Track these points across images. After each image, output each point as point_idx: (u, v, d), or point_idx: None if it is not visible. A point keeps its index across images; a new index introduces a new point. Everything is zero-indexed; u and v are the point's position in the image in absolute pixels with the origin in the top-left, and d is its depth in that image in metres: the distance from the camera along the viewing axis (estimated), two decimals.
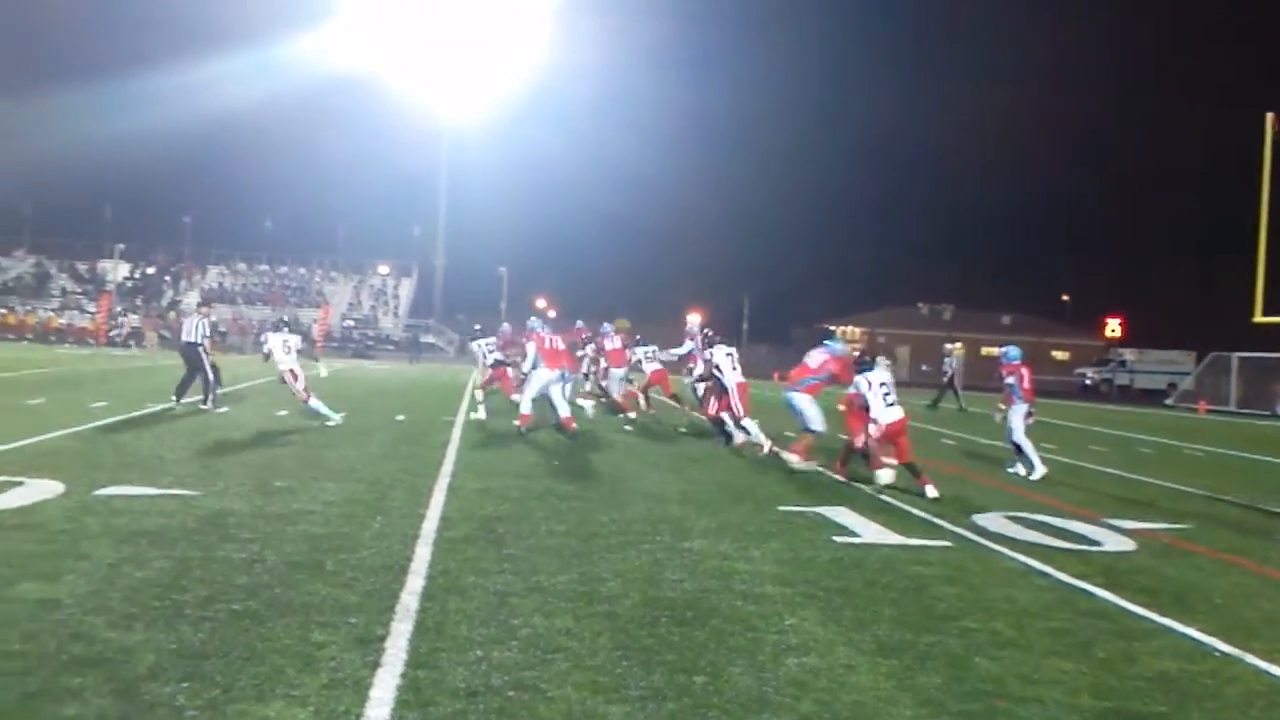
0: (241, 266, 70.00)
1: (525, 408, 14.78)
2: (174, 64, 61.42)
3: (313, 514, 7.84)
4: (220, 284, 66.32)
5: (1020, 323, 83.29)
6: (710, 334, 15.93)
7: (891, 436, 11.07)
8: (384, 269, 71.75)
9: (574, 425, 14.60)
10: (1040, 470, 12.69)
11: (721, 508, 9.25)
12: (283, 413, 16.12)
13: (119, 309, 56.68)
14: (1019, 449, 13.13)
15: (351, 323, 64.46)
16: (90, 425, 12.94)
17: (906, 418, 11.31)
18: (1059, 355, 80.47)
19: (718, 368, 14.30)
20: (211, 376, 16.37)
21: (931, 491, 10.43)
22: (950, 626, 5.72)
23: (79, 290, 61.99)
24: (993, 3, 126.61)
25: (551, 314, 72.78)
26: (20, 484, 8.39)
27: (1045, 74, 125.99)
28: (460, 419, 16.75)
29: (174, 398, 16.09)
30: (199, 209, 69.35)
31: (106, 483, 8.66)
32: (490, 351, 18.11)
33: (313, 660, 4.56)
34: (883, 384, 11.28)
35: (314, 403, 14.68)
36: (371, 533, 7.32)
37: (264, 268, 70.33)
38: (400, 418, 16.50)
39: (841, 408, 12.09)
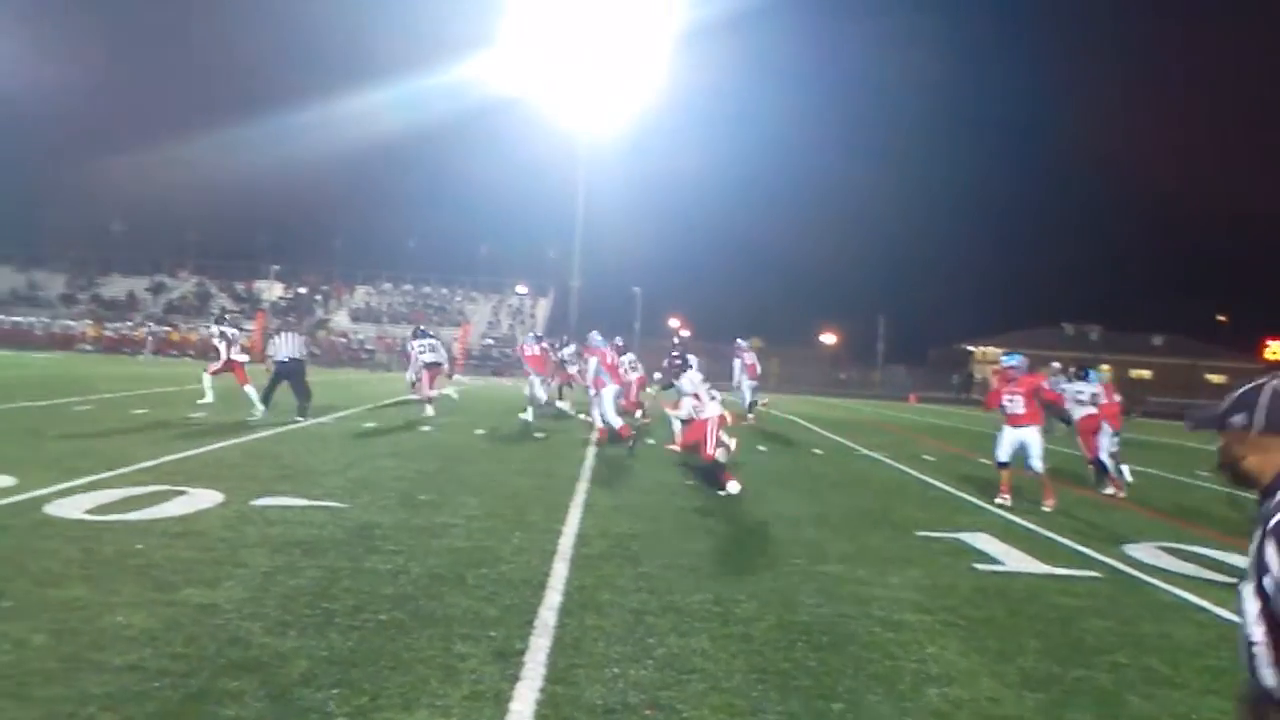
0: (387, 286, 72.44)
1: (615, 423, 15.41)
2: (324, 98, 64.29)
3: (455, 528, 8.04)
4: (367, 303, 68.76)
5: (1173, 344, 79.52)
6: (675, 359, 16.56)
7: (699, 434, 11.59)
8: (522, 289, 73.24)
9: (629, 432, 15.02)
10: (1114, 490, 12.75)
11: (858, 532, 9.11)
12: (426, 428, 16.58)
13: (273, 326, 59.32)
14: (1103, 466, 12.94)
15: (490, 341, 65.95)
16: (247, 438, 13.56)
17: (723, 416, 11.76)
18: (1214, 379, 76.53)
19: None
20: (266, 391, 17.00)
21: (734, 487, 10.73)
22: (1100, 661, 5.50)
23: (236, 309, 65.14)
24: (1150, 8, 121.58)
25: (685, 333, 73.07)
26: (183, 493, 8.84)
27: (1203, 84, 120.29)
28: (594, 435, 16.93)
29: (300, 417, 16.42)
30: (348, 231, 72.25)
31: (262, 493, 9.06)
32: (423, 353, 19.70)
33: (455, 672, 4.67)
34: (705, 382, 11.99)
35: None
36: (511, 547, 7.46)
37: (408, 287, 72.62)
38: (540, 435, 16.78)
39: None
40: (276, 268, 67.48)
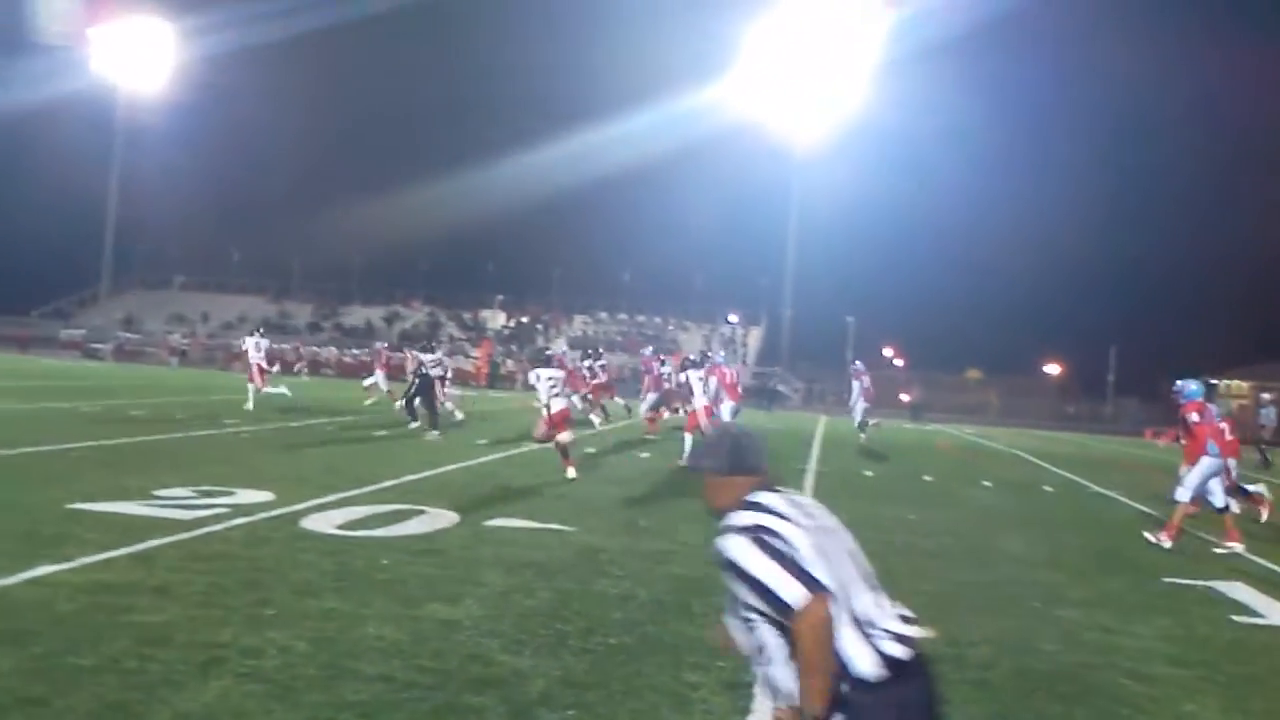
0: (603, 315, 74.32)
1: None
2: (548, 137, 66.74)
3: (675, 554, 8.12)
4: (584, 332, 70.74)
5: None
6: (688, 359, 18.47)
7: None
8: (733, 318, 73.48)
9: None
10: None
11: (1097, 575, 8.62)
12: (645, 454, 16.85)
13: (499, 352, 61.85)
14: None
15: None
16: (476, 460, 14.17)
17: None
18: None
19: (689, 388, 15.96)
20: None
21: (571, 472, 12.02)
22: None
23: (464, 337, 68.32)
24: None
25: (899, 363, 71.32)
26: (422, 512, 9.32)
27: None
28: (812, 466, 16.75)
29: (435, 431, 17.75)
30: (567, 263, 74.44)
31: (494, 514, 9.43)
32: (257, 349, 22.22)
33: (686, 700, 4.71)
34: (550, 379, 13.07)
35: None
36: None
37: (623, 316, 74.24)
38: None
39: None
40: (501, 298, 70.46)
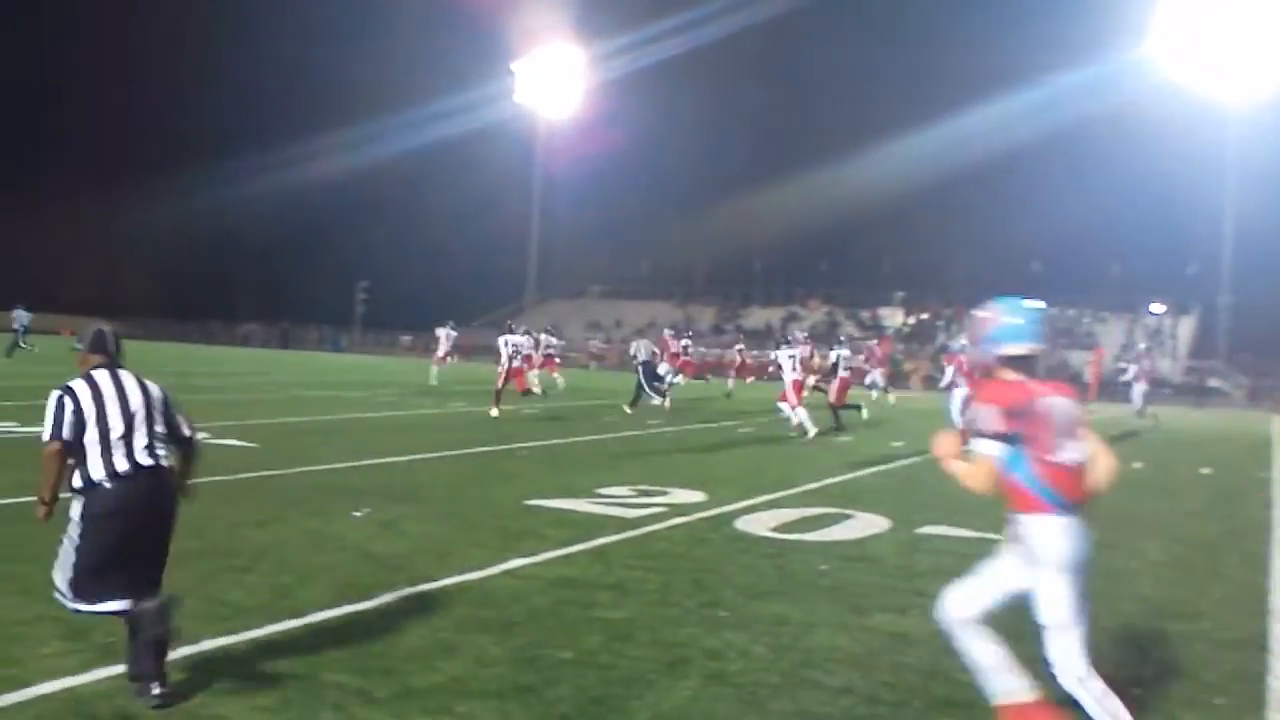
0: None
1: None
2: (944, 115, 64.47)
3: (1140, 573, 7.39)
4: None
5: None
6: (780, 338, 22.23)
7: None
8: (1158, 307, 67.01)
9: None
10: None
11: None
12: (1138, 465, 15.34)
13: (899, 351, 60.73)
14: None
15: (1124, 366, 61.15)
16: (896, 463, 13.85)
17: None
18: None
19: (779, 366, 18.33)
20: (648, 392, 21.27)
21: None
22: None
23: (862, 336, 67.80)
24: None
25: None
26: (850, 516, 9.19)
27: None
28: (1276, 474, 14.76)
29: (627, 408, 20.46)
30: (969, 254, 71.53)
31: (924, 521, 9.11)
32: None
33: None
34: None
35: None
36: (1211, 601, 6.66)
37: None
38: (1205, 471, 15.03)
39: None
40: (900, 294, 69.06)
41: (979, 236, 70.78)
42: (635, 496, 9.81)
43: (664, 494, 10.00)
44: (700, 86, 75.62)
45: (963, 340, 17.85)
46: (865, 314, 70.76)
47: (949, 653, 5.23)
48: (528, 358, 22.16)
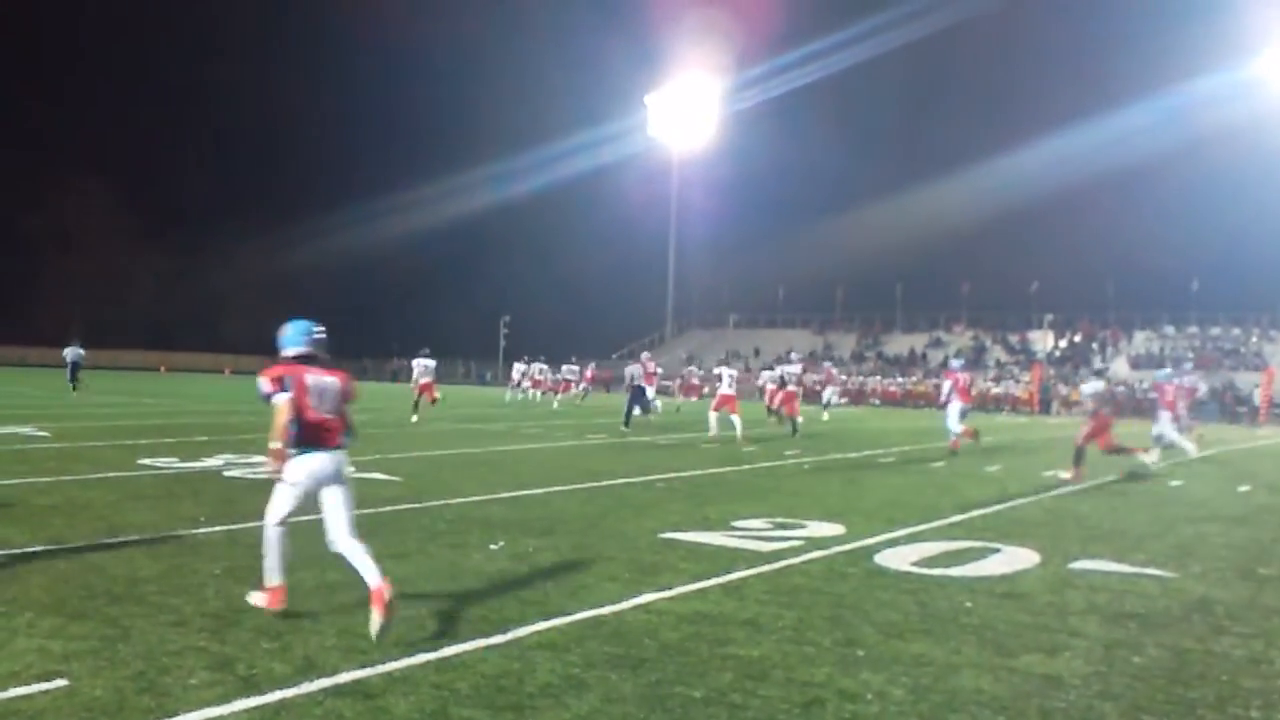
0: (1169, 330, 67.27)
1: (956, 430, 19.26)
2: (1078, 123, 62.29)
3: None
4: (1147, 349, 64.57)
5: None
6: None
7: None
8: None
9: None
10: None
11: None
12: (1245, 488, 14.74)
13: (1050, 375, 58.47)
14: None
15: None
16: (1049, 494, 13.25)
17: None
18: None
19: (718, 378, 22.48)
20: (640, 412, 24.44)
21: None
22: None
23: (1011, 360, 65.51)
24: None
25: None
26: (997, 550, 8.81)
27: None
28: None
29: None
30: (1122, 274, 68.60)
31: (1078, 555, 8.66)
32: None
33: None
34: None
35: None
36: None
37: (1192, 329, 66.64)
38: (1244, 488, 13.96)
39: None
40: (1050, 317, 66.54)
41: (1132, 253, 67.93)
42: (771, 529, 9.64)
43: (801, 526, 9.79)
44: (831, 112, 75.19)
45: (1170, 369, 17.57)
46: (1014, 337, 68.48)
47: (1105, 696, 4.96)
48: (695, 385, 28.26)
